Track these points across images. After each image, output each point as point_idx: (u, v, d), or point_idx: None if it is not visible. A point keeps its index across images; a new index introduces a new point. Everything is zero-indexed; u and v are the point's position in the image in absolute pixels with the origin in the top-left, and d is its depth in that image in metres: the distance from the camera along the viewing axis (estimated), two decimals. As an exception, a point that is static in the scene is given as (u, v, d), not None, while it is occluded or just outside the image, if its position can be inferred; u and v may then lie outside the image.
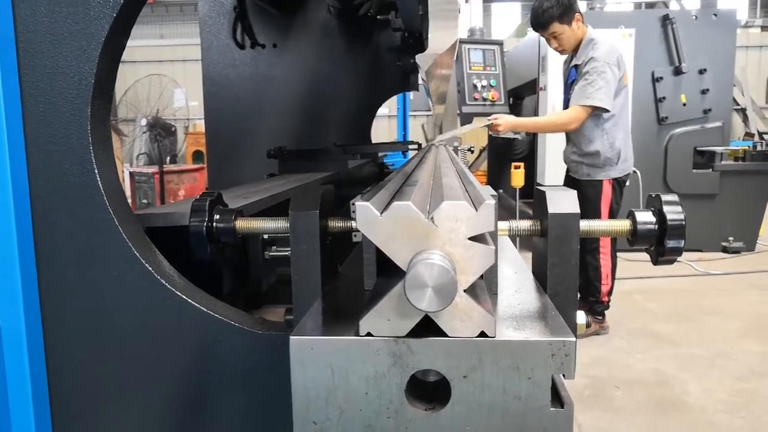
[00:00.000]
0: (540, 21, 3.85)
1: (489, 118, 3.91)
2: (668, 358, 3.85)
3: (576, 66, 3.87)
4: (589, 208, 3.94)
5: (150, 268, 1.16)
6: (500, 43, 5.55)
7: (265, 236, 1.50)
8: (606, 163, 3.93)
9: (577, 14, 3.80)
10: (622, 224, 0.93)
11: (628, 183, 4.19)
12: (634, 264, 5.89)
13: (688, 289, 5.41)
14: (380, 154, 3.64)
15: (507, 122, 3.88)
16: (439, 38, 1.08)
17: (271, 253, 1.46)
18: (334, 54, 3.49)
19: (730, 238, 6.74)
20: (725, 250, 6.72)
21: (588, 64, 3.72)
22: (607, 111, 3.73)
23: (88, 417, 1.21)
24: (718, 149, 6.67)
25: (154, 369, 1.19)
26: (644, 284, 5.51)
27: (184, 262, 1.22)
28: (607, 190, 3.96)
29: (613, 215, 4.03)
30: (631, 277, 5.61)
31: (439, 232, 0.68)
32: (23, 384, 1.14)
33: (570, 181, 4.16)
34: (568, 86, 3.99)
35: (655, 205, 0.92)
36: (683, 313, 4.72)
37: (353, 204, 1.09)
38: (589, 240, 3.97)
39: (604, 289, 4.14)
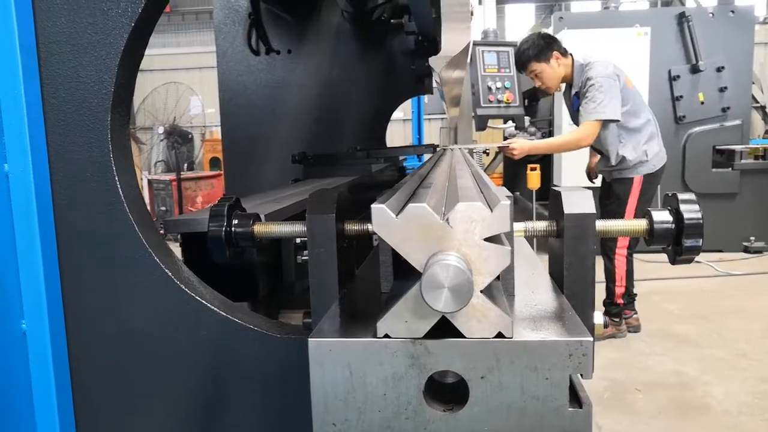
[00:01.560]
0: (520, 61, 4.13)
1: (505, 142, 4.10)
2: (689, 359, 3.80)
3: (577, 94, 4.01)
4: (616, 204, 3.98)
5: (170, 274, 1.18)
6: (514, 45, 5.53)
7: (298, 240, 1.51)
8: (636, 164, 4.00)
9: (555, 52, 3.98)
10: (639, 224, 0.93)
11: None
12: (653, 265, 5.83)
13: (708, 290, 5.34)
14: (401, 158, 3.66)
15: (522, 147, 4.00)
16: (452, 39, 1.08)
17: (303, 257, 1.46)
18: (348, 59, 3.51)
19: (752, 238, 6.64)
20: (747, 250, 6.63)
21: (586, 85, 3.86)
22: (617, 120, 3.83)
23: (110, 419, 1.23)
24: (738, 148, 6.58)
25: (174, 372, 1.21)
26: (663, 285, 5.45)
27: (221, 266, 1.22)
28: (636, 187, 4.02)
29: (638, 212, 4.04)
30: (650, 278, 5.56)
31: (454, 233, 0.69)
32: (48, 386, 1.16)
33: (604, 183, 4.26)
34: (575, 113, 4.09)
35: (671, 204, 0.92)
36: (704, 314, 4.66)
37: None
38: (605, 240, 3.99)
39: (618, 291, 4.12)
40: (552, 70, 4.00)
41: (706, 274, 5.77)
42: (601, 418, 3.04)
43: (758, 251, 6.57)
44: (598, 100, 3.76)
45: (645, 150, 3.97)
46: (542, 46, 3.98)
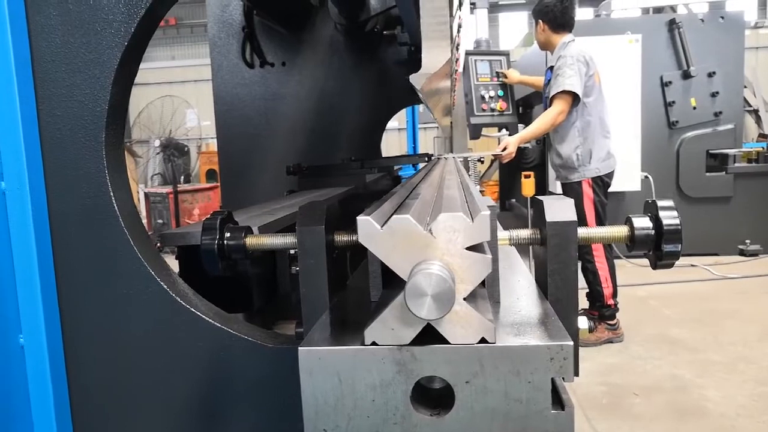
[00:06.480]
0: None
1: (498, 148, 4.28)
2: (686, 363, 3.81)
3: (551, 68, 4.22)
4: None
5: (165, 286, 1.20)
6: (507, 54, 5.58)
7: (292, 252, 1.53)
8: (579, 163, 4.11)
9: (541, 21, 4.29)
10: (620, 230, 0.95)
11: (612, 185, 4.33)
12: (649, 270, 5.84)
13: (704, 294, 5.35)
14: (396, 167, 3.68)
15: (513, 143, 4.21)
16: (431, 57, 1.11)
17: (297, 268, 1.48)
18: (342, 70, 3.54)
19: (747, 241, 6.67)
20: (742, 253, 6.65)
21: (557, 62, 4.10)
22: (578, 97, 4.00)
23: (108, 430, 1.25)
24: (731, 151, 6.63)
25: (170, 383, 1.23)
26: (660, 290, 5.46)
27: (217, 279, 1.24)
28: (587, 192, 4.11)
29: (599, 215, 4.09)
30: (647, 282, 5.57)
31: (437, 243, 0.71)
32: (46, 399, 1.18)
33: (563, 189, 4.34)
34: (545, 86, 4.33)
35: (651, 210, 0.94)
36: (700, 318, 4.68)
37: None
38: (580, 246, 3.99)
39: (607, 292, 4.14)
40: (537, 34, 4.40)
41: (702, 278, 5.79)
42: (599, 423, 3.05)
43: (754, 254, 6.59)
44: (567, 75, 3.98)
45: (590, 150, 4.09)
46: (537, 10, 4.31)
